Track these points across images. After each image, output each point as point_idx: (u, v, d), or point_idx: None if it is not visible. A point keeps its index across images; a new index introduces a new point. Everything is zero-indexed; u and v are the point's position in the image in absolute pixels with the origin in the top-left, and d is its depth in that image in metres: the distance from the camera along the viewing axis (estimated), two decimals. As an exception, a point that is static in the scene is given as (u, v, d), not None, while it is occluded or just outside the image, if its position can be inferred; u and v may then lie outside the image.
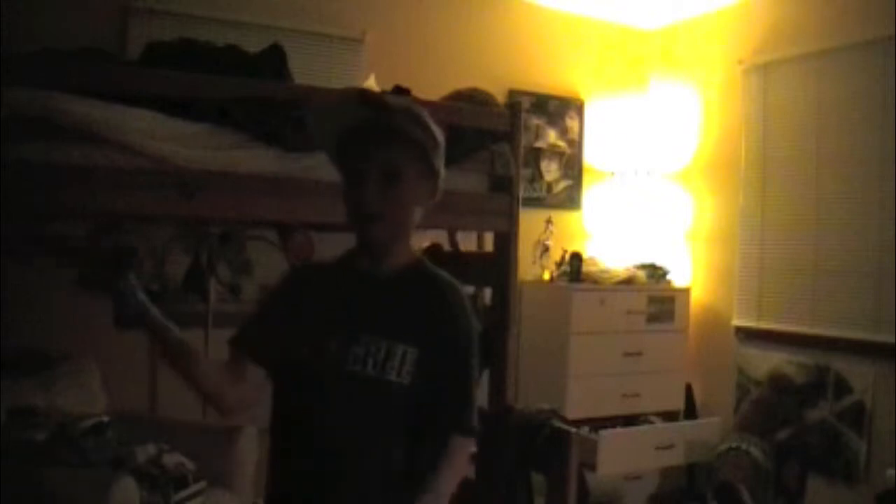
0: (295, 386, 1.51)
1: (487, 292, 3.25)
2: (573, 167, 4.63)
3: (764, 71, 4.14)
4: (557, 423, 3.13)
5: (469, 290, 3.80)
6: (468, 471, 1.51)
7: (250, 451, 2.94)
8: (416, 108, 1.53)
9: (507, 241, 2.98)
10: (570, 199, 4.62)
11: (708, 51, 4.49)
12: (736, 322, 4.22)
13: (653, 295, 4.24)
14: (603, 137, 4.68)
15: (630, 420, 4.08)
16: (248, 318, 1.66)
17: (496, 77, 4.16)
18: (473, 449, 1.49)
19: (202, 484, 2.70)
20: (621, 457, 3.78)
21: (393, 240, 1.53)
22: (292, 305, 1.58)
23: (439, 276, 1.58)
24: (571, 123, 4.61)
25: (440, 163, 1.53)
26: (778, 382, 3.94)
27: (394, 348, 1.46)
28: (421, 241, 3.44)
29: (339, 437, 1.47)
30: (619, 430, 3.91)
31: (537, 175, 4.49)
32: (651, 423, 4.09)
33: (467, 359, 1.53)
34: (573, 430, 3.14)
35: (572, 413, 3.75)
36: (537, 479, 3.29)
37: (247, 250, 3.47)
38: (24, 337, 3.02)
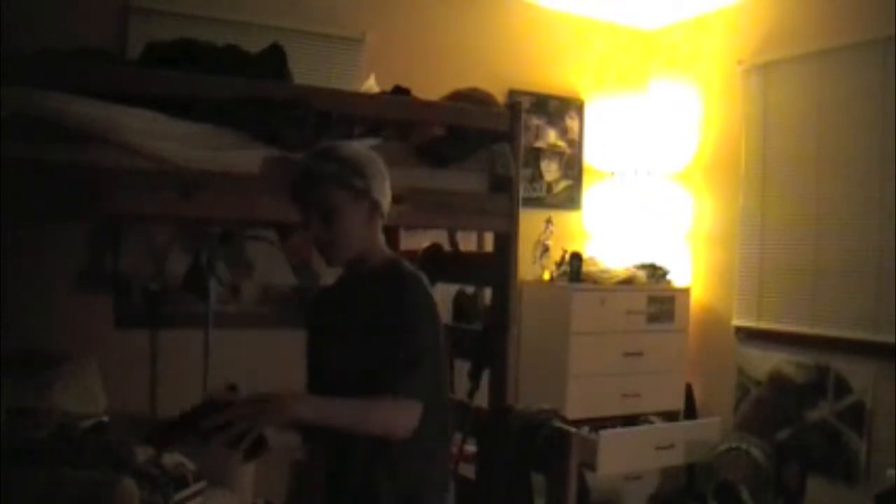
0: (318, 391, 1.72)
1: (487, 292, 3.25)
2: (573, 167, 4.63)
3: (764, 71, 4.14)
4: (557, 423, 3.12)
5: (469, 289, 3.82)
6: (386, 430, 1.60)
7: (250, 451, 2.94)
8: (336, 149, 1.74)
9: (507, 241, 2.98)
10: (570, 199, 4.62)
11: (708, 51, 4.49)
12: (736, 322, 4.22)
13: (653, 295, 4.24)
14: (603, 137, 4.68)
15: (630, 420, 4.08)
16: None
17: (496, 77, 4.16)
18: (413, 413, 1.59)
19: (202, 484, 2.71)
20: (621, 457, 3.77)
21: (351, 256, 1.74)
22: (310, 328, 1.86)
23: (403, 270, 1.73)
24: (571, 123, 4.61)
25: (366, 181, 1.71)
26: (778, 382, 3.94)
27: (366, 339, 1.66)
28: (421, 241, 3.44)
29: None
30: (619, 430, 3.90)
31: (537, 175, 4.49)
32: (651, 423, 4.08)
33: (405, 331, 1.64)
34: (573, 430, 3.14)
35: (572, 413, 3.75)
36: (537, 479, 3.28)
37: (247, 250, 3.47)
38: (24, 337, 3.02)
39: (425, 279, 1.73)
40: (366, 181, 1.71)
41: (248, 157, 2.43)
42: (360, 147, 1.78)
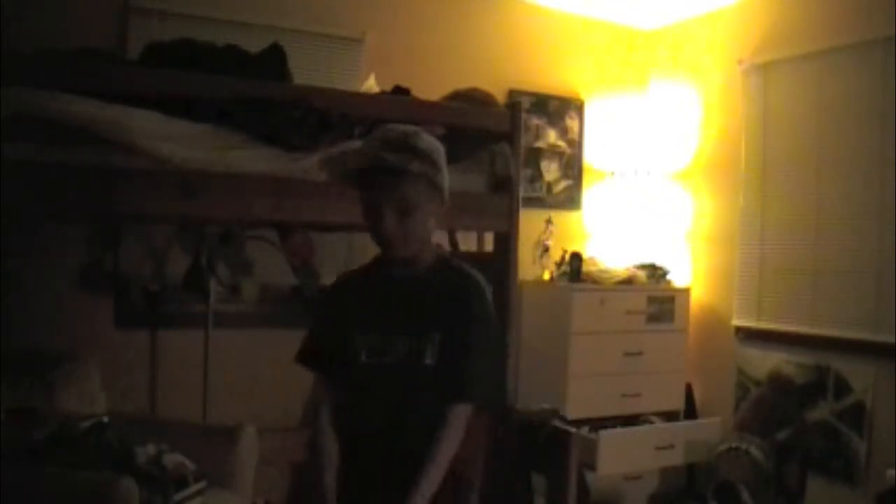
0: (348, 381, 1.79)
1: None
2: (573, 167, 4.63)
3: (764, 71, 4.14)
4: (557, 423, 3.13)
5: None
6: (462, 436, 1.73)
7: (250, 451, 2.94)
8: (413, 140, 1.71)
9: (507, 241, 2.98)
10: (570, 199, 4.62)
11: (708, 51, 4.49)
12: (736, 322, 4.22)
13: (653, 295, 4.24)
14: (603, 137, 4.68)
15: (630, 420, 4.08)
16: (307, 335, 1.92)
17: (496, 77, 4.16)
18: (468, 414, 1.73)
19: (202, 484, 2.70)
20: (621, 457, 3.78)
21: (416, 251, 1.78)
22: (339, 314, 1.86)
23: (459, 268, 1.85)
24: (571, 123, 4.61)
25: (444, 179, 1.76)
26: (778, 382, 3.94)
27: (425, 337, 1.73)
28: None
29: (390, 418, 1.75)
30: (619, 430, 3.91)
31: (537, 175, 4.49)
32: (651, 423, 4.09)
33: (468, 334, 1.75)
34: (573, 430, 3.14)
35: (572, 413, 3.76)
36: (537, 479, 3.29)
37: (247, 250, 3.47)
38: (24, 337, 3.02)
39: (483, 280, 1.84)
40: (441, 177, 1.75)
41: (248, 157, 2.43)
42: (430, 137, 1.77)
